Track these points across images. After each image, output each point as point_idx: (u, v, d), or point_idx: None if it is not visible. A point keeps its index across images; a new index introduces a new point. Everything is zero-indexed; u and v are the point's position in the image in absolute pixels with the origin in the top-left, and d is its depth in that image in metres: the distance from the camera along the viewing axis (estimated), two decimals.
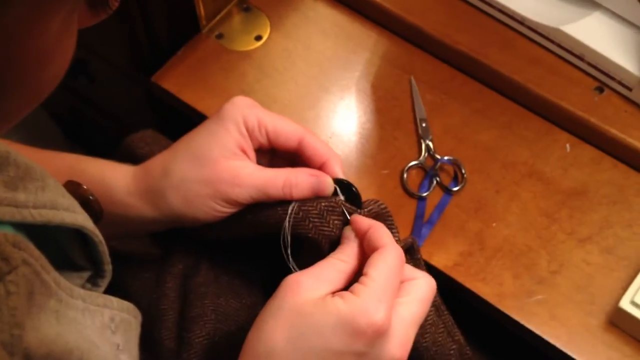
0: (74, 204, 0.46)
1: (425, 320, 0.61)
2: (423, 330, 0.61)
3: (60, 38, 0.34)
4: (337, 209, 0.56)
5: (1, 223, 0.38)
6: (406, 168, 0.74)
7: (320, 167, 0.58)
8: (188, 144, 0.57)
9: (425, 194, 0.73)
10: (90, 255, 0.50)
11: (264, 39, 0.83)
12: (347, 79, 0.81)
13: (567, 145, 0.77)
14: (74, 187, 0.55)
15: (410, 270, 0.54)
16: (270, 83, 0.80)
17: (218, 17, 0.84)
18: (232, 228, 0.59)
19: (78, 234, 0.49)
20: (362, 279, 0.50)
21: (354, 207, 0.56)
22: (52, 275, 0.40)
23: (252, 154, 0.58)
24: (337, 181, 0.58)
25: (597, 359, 0.65)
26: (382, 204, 0.58)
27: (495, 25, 0.82)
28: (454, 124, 0.78)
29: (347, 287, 0.51)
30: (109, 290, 0.51)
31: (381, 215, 0.57)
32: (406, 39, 0.84)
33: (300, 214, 0.55)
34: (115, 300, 0.48)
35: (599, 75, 0.78)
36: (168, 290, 0.61)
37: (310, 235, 0.55)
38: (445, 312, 0.62)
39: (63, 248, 0.49)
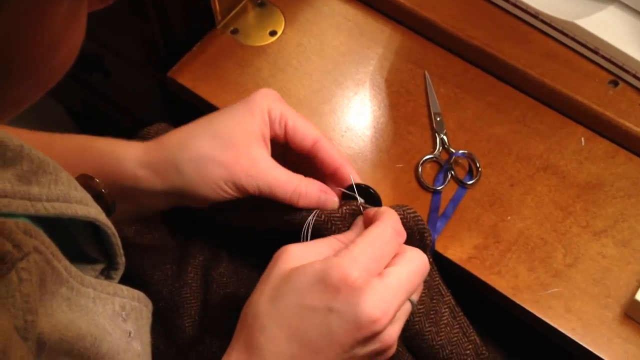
0: (87, 197, 0.47)
1: (440, 319, 0.62)
2: (438, 329, 0.62)
3: (68, 26, 0.34)
4: (358, 212, 0.58)
5: (15, 216, 0.38)
6: (421, 162, 0.74)
7: (334, 172, 0.59)
8: (209, 124, 0.58)
9: (440, 188, 0.73)
10: (104, 248, 0.50)
11: (279, 34, 0.84)
12: (361, 74, 0.82)
13: (582, 139, 0.77)
14: (86, 181, 0.55)
15: (404, 246, 0.55)
16: (285, 78, 0.81)
17: (233, 13, 0.84)
18: (254, 220, 0.60)
19: (91, 227, 0.49)
20: (349, 245, 0.52)
21: (374, 208, 0.58)
22: (63, 263, 0.41)
23: (269, 144, 0.59)
24: (356, 185, 0.59)
25: (613, 351, 0.65)
26: (409, 208, 0.58)
27: (510, 19, 0.82)
28: (468, 117, 0.78)
29: None
30: (130, 280, 0.51)
31: (410, 220, 0.58)
32: (420, 34, 0.84)
33: (323, 217, 0.57)
34: (125, 289, 0.49)
35: (614, 69, 0.78)
36: (190, 279, 0.62)
37: None
38: (460, 314, 0.63)
39: (77, 241, 0.50)
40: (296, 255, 0.53)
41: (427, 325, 0.62)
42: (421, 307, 0.62)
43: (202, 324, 0.61)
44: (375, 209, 0.56)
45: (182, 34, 0.83)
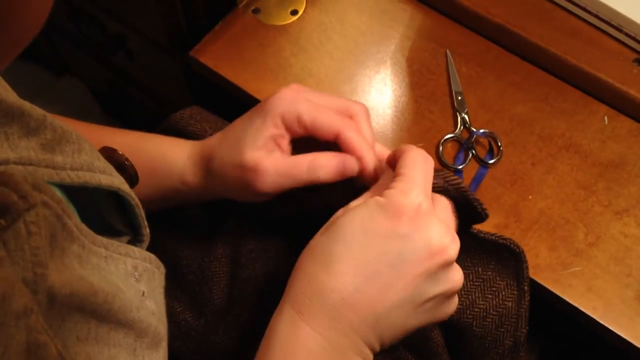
0: (110, 168, 0.47)
1: (496, 306, 0.61)
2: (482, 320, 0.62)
3: None
4: None
5: None
6: (442, 141, 0.74)
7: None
8: (232, 131, 0.59)
9: (460, 167, 0.73)
10: (129, 221, 0.51)
11: (300, 13, 0.84)
12: (383, 53, 0.81)
13: (605, 118, 0.76)
14: (108, 152, 0.56)
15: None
16: (306, 57, 0.81)
17: None
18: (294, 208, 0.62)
19: (115, 199, 0.50)
20: (395, 177, 0.52)
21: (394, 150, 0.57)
22: (74, 220, 0.40)
23: (286, 146, 0.58)
24: None
25: (634, 330, 0.65)
26: (453, 178, 0.56)
27: None
28: (490, 96, 0.78)
29: None
30: (160, 256, 0.52)
31: (451, 191, 0.57)
32: (441, 12, 0.84)
33: None
34: (137, 250, 0.49)
35: (638, 47, 0.77)
36: (219, 255, 0.63)
37: None
38: (526, 304, 0.61)
39: (102, 214, 0.50)
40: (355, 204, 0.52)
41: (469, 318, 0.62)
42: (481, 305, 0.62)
43: (230, 296, 0.62)
44: (394, 150, 0.56)
45: (204, 14, 0.84)
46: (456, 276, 0.51)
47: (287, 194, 0.59)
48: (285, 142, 0.58)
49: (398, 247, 0.48)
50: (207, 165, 0.59)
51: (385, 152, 0.60)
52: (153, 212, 0.65)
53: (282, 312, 0.51)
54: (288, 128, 0.58)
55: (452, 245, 0.49)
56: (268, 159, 0.56)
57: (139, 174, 0.59)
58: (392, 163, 0.56)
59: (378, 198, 0.50)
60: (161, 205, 0.64)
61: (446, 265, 0.50)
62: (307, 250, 0.52)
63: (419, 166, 0.52)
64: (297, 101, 0.58)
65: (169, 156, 0.61)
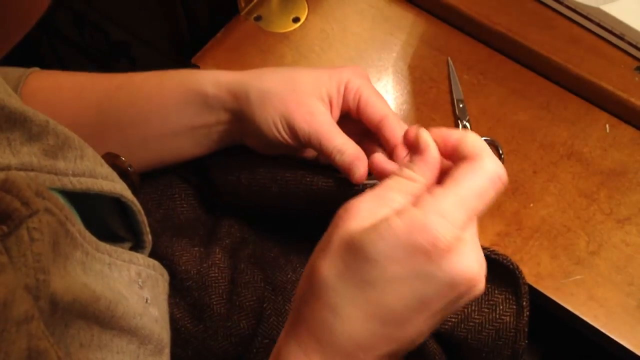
0: (112, 174, 0.47)
1: (492, 320, 0.60)
2: (480, 328, 0.61)
3: None
4: None
5: None
6: None
7: (390, 151, 0.58)
8: (290, 70, 0.62)
9: None
10: (130, 227, 0.51)
11: (302, 20, 0.84)
12: (384, 61, 0.82)
13: (607, 126, 0.76)
14: (112, 159, 0.56)
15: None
16: (308, 64, 0.81)
17: (256, 0, 0.84)
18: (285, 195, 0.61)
19: (118, 206, 0.50)
20: (434, 188, 0.43)
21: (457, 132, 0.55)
22: (77, 227, 0.40)
23: (336, 111, 0.61)
24: None
25: (636, 339, 0.65)
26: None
27: (534, 5, 0.82)
28: (492, 104, 0.78)
29: None
30: (159, 263, 0.52)
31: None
32: (443, 20, 0.84)
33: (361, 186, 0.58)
34: (140, 257, 0.49)
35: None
36: (218, 260, 0.63)
37: None
38: (525, 319, 0.60)
39: (105, 220, 0.50)
40: (365, 213, 0.44)
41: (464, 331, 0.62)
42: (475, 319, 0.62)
43: (230, 302, 0.62)
44: (459, 133, 0.46)
45: (206, 21, 0.84)
46: (481, 287, 0.44)
47: (275, 172, 0.60)
48: (337, 111, 0.61)
49: (418, 288, 0.42)
50: (246, 81, 0.60)
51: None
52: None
53: (288, 351, 0.45)
54: (345, 97, 0.60)
55: (480, 272, 0.43)
56: (322, 115, 0.58)
57: (170, 97, 0.61)
58: (446, 142, 0.46)
59: (398, 231, 0.41)
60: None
61: (471, 289, 0.43)
62: (310, 283, 0.45)
63: (472, 197, 0.42)
64: (363, 78, 0.61)
65: (200, 73, 0.63)
